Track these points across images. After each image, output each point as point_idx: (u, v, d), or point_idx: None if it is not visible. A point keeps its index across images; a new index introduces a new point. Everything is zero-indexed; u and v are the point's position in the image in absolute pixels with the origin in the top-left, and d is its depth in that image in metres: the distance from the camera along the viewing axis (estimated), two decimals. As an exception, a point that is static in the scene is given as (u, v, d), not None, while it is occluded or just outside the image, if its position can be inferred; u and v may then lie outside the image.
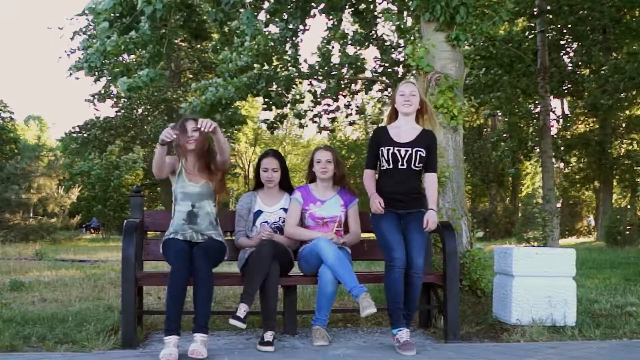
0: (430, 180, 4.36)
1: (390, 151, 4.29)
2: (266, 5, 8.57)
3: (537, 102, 18.18)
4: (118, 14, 7.08)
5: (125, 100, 31.85)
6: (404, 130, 4.36)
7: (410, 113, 4.38)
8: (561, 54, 19.39)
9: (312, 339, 4.26)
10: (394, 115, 4.47)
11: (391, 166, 4.30)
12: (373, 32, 11.58)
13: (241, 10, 7.34)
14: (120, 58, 7.85)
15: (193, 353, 3.72)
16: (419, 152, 4.29)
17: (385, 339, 4.51)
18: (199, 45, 26.76)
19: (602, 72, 18.12)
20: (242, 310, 3.96)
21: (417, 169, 4.33)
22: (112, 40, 6.90)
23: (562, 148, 22.32)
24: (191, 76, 32.74)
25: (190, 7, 7.66)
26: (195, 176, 4.30)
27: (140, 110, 33.04)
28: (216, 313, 4.88)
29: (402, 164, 4.29)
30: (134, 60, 10.76)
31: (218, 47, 9.08)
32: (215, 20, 7.56)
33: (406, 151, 4.28)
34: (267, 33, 8.81)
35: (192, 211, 4.24)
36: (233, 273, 4.82)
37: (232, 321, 3.99)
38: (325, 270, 4.23)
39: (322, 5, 9.43)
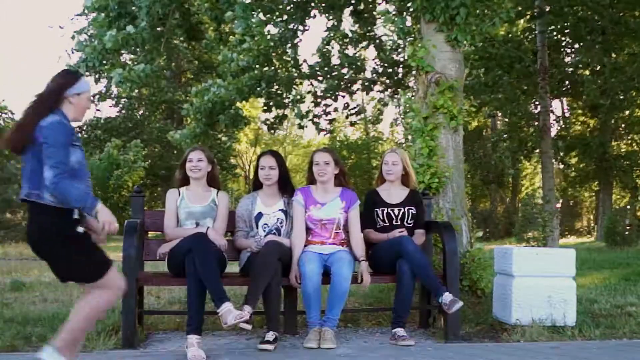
0: (418, 234, 4.80)
1: (385, 211, 4.75)
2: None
3: (537, 102, 18.20)
4: (115, 14, 7.05)
5: (126, 100, 31.81)
6: (394, 192, 4.82)
7: (393, 181, 4.83)
8: (561, 54, 19.39)
9: (320, 340, 4.17)
10: (382, 178, 4.88)
11: (387, 224, 4.73)
12: (371, 32, 11.54)
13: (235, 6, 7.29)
14: (121, 58, 7.84)
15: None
16: (410, 210, 4.76)
17: (385, 339, 4.52)
18: (197, 47, 26.74)
19: (602, 72, 18.12)
20: (247, 311, 3.95)
21: (409, 225, 4.76)
22: (112, 36, 6.87)
23: (562, 150, 22.33)
24: (192, 77, 32.76)
25: (184, 7, 7.64)
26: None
27: (141, 111, 33.05)
28: (216, 313, 4.87)
29: (397, 222, 4.73)
30: (130, 62, 10.75)
31: (213, 45, 9.06)
32: (212, 19, 7.54)
33: (399, 210, 4.74)
34: (266, 33, 8.80)
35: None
36: (233, 273, 4.82)
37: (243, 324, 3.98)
38: (339, 267, 4.26)
39: (321, 5, 9.43)
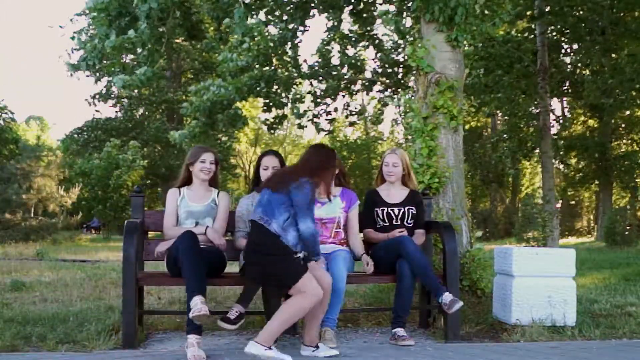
0: (418, 234, 4.80)
1: (385, 211, 4.77)
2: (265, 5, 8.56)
3: (537, 102, 18.22)
4: (115, 13, 7.05)
5: (126, 100, 31.79)
6: (394, 192, 4.84)
7: (394, 182, 4.85)
8: (561, 54, 19.41)
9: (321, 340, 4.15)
10: (382, 178, 4.91)
11: (387, 224, 4.75)
12: (371, 31, 11.55)
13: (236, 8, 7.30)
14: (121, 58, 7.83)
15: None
16: (410, 210, 4.77)
17: (385, 339, 4.53)
18: (198, 45, 26.77)
19: (602, 73, 18.12)
20: (235, 311, 3.92)
21: (409, 225, 4.76)
22: (112, 41, 6.88)
23: (562, 150, 22.34)
24: (192, 76, 32.80)
25: (185, 6, 7.64)
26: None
27: (140, 111, 33.06)
28: (216, 313, 4.88)
29: (396, 221, 4.75)
30: (131, 61, 10.74)
31: (213, 45, 9.07)
32: (213, 18, 7.54)
33: (399, 210, 4.76)
34: (266, 33, 8.79)
35: None
36: (233, 273, 4.82)
37: (221, 323, 4.01)
38: (335, 266, 4.26)
39: (321, 5, 9.44)
